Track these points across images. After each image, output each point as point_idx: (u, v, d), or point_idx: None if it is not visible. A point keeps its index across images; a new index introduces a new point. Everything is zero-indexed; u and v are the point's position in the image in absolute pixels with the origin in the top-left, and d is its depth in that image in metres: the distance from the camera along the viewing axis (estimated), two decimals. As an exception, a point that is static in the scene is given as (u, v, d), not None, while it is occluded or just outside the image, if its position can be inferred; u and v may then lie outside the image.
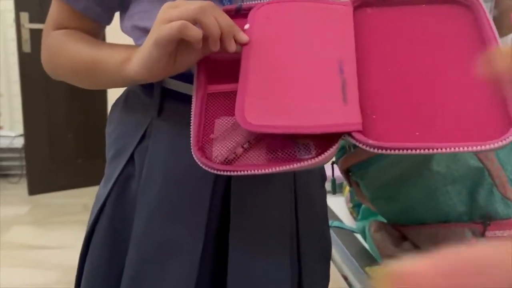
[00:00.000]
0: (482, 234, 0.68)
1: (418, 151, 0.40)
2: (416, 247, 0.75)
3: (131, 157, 0.60)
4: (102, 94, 2.70)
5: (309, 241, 0.64)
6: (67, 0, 0.58)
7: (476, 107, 0.42)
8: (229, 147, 0.47)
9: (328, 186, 0.77)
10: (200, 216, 0.57)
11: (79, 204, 2.74)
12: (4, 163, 3.09)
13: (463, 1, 0.50)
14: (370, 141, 0.42)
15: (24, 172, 2.92)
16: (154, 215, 0.57)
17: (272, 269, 0.58)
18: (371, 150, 0.42)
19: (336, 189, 0.89)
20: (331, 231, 0.98)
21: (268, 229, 0.59)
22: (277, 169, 0.44)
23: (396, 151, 0.41)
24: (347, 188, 1.11)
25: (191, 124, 0.50)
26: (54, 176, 2.87)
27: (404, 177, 0.69)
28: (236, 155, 0.47)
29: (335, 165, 0.78)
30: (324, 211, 0.71)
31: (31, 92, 2.72)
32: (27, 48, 2.63)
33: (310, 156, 0.44)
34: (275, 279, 0.58)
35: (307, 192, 0.65)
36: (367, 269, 0.82)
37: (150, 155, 0.58)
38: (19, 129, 3.01)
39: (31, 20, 2.61)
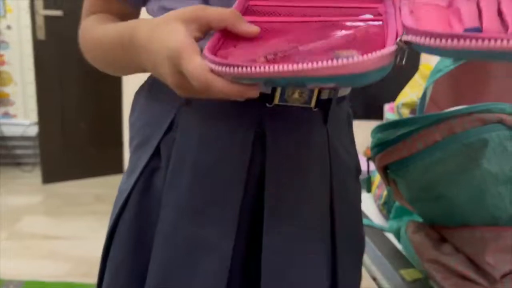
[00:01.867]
0: (536, 240, 0.62)
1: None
2: (458, 250, 0.70)
3: (157, 149, 0.55)
4: (116, 83, 2.67)
5: (345, 241, 0.60)
6: None
7: None
8: (249, 56, 0.39)
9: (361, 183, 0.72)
10: (231, 214, 0.53)
11: (91, 194, 2.72)
12: (18, 151, 3.08)
13: None
14: (421, 28, 0.36)
15: (38, 160, 2.90)
16: (182, 212, 0.53)
17: (310, 279, 0.54)
18: (426, 40, 0.35)
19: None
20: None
21: (304, 231, 0.54)
22: (314, 67, 0.35)
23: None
24: (376, 184, 1.05)
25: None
26: (67, 165, 2.85)
27: (451, 176, 0.63)
28: (263, 59, 0.39)
29: (371, 162, 0.72)
30: (358, 208, 0.66)
31: (45, 79, 2.69)
32: (41, 35, 2.60)
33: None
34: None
35: (343, 188, 0.60)
36: (402, 272, 0.77)
37: (177, 148, 0.54)
38: (33, 117, 2.99)
39: (46, 7, 2.57)
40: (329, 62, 0.35)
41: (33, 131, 2.99)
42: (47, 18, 2.59)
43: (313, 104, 0.54)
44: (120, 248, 0.57)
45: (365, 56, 0.35)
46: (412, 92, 1.00)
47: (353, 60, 0.35)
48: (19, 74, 3.04)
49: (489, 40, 0.33)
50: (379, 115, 1.67)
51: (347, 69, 0.35)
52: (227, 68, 0.37)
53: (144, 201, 0.55)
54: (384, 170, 0.70)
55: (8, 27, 2.96)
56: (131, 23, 0.50)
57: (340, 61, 0.35)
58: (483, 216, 0.65)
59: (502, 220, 0.64)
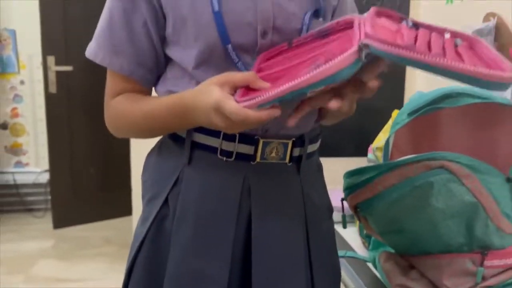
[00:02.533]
0: (481, 264, 0.74)
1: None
2: (423, 276, 0.82)
3: (166, 201, 0.69)
4: (123, 131, 2.83)
5: (321, 271, 0.72)
6: (117, 69, 0.69)
7: None
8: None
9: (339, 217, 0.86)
10: (226, 249, 0.66)
11: (101, 237, 2.83)
12: (30, 198, 3.21)
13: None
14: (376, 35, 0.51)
15: (49, 206, 3.03)
16: (187, 250, 0.66)
17: None
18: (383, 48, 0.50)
19: (346, 221, 0.96)
20: (345, 261, 1.05)
21: (285, 262, 0.68)
22: (304, 79, 0.50)
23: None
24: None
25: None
26: (77, 210, 2.97)
27: (408, 213, 0.76)
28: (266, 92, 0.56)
29: (344, 202, 0.86)
30: (333, 241, 0.79)
31: (56, 129, 2.86)
32: (53, 89, 2.79)
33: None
34: None
35: (317, 226, 0.73)
36: (379, 297, 0.88)
37: (182, 199, 0.68)
38: (44, 165, 3.15)
39: (57, 63, 2.78)
40: (312, 72, 0.51)
41: (44, 178, 3.14)
42: (58, 73, 2.79)
43: (287, 160, 0.68)
44: (137, 284, 0.70)
45: (334, 60, 0.51)
46: (384, 137, 1.15)
47: (327, 65, 0.51)
48: (31, 125, 3.23)
49: (417, 53, 0.50)
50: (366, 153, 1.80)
51: (326, 73, 0.51)
52: (253, 100, 0.54)
53: (156, 243, 0.69)
54: (355, 209, 0.83)
55: (22, 82, 3.16)
56: (176, 94, 0.65)
57: (319, 69, 0.51)
58: (438, 245, 0.78)
59: (453, 247, 0.77)
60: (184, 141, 0.68)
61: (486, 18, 1.69)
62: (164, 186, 0.70)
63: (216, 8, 0.63)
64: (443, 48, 0.56)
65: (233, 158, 0.66)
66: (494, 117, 0.82)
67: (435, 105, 0.80)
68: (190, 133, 0.68)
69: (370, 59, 0.53)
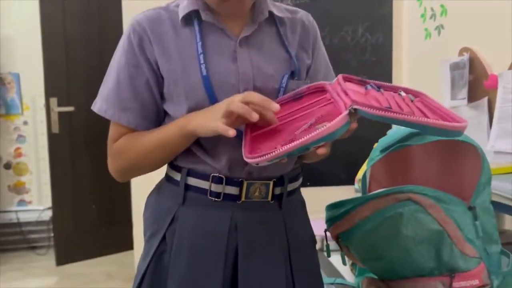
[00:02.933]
0: (450, 286, 0.82)
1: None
2: (401, 298, 0.89)
3: (164, 237, 0.78)
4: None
5: None
6: (125, 123, 0.79)
7: None
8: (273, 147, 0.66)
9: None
10: (217, 279, 0.75)
11: (103, 273, 2.87)
12: (33, 236, 3.27)
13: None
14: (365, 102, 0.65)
15: (51, 243, 3.09)
16: (183, 281, 0.75)
17: None
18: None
19: (335, 249, 1.03)
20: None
21: None
22: (308, 138, 0.61)
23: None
24: (347, 248, 1.26)
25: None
26: (79, 246, 3.03)
27: (383, 241, 0.84)
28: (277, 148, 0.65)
29: (327, 232, 0.94)
30: (317, 270, 0.87)
31: (59, 168, 2.95)
32: (55, 129, 2.90)
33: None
34: None
35: (300, 256, 0.82)
36: (363, 320, 0.95)
37: (178, 236, 0.77)
38: (47, 203, 3.22)
39: (60, 104, 2.90)
40: (314, 133, 0.62)
41: (47, 215, 3.21)
42: (60, 114, 2.91)
43: (269, 198, 0.78)
44: None
45: (331, 123, 0.62)
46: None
47: (325, 128, 0.62)
48: (34, 164, 3.32)
49: (395, 113, 0.64)
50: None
51: (324, 133, 0.63)
52: (265, 156, 0.63)
53: (156, 276, 0.78)
54: (337, 239, 0.92)
55: (25, 123, 3.28)
56: (179, 122, 0.75)
57: (319, 130, 0.62)
58: (412, 270, 0.86)
59: (426, 271, 0.85)
60: (179, 183, 0.78)
61: (461, 52, 1.81)
62: (163, 224, 0.78)
63: (204, 72, 0.74)
64: (408, 106, 0.68)
65: (221, 199, 0.76)
66: (457, 152, 0.92)
67: (403, 142, 0.90)
68: (184, 177, 0.78)
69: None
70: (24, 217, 3.27)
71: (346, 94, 0.69)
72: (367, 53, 2.28)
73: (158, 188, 0.84)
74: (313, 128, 0.66)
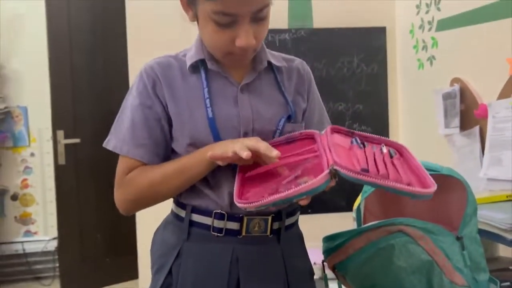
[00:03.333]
0: (441, 313, 0.86)
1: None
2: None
3: (170, 271, 0.83)
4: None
5: None
6: (139, 158, 0.84)
7: None
8: (260, 195, 0.72)
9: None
10: None
11: (108, 302, 2.89)
12: (38, 267, 3.30)
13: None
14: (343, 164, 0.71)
15: (57, 273, 3.11)
16: None
17: None
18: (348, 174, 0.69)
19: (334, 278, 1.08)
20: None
21: None
22: (291, 192, 0.67)
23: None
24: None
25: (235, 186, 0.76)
26: (85, 276, 3.05)
27: (377, 271, 0.89)
28: (264, 197, 0.71)
29: (325, 263, 0.99)
30: None
31: (65, 198, 3.01)
32: (62, 160, 2.97)
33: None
34: None
35: (298, 285, 0.86)
36: None
37: (182, 270, 0.82)
38: (53, 233, 3.26)
39: (66, 136, 2.97)
40: (296, 188, 0.68)
41: (53, 246, 3.25)
42: (67, 146, 2.98)
43: (268, 232, 0.83)
44: None
45: (313, 180, 0.68)
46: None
47: (307, 184, 0.68)
48: (40, 194, 3.38)
49: (371, 177, 0.69)
50: (355, 210, 1.93)
51: (305, 189, 0.69)
52: (252, 204, 0.69)
53: None
54: (334, 269, 0.96)
55: (32, 154, 3.36)
56: (199, 152, 0.81)
57: (300, 186, 0.68)
58: (407, 298, 0.90)
59: (419, 300, 0.89)
60: (183, 220, 0.83)
61: (452, 82, 1.89)
62: (169, 259, 0.84)
63: (211, 115, 0.82)
64: (385, 164, 0.76)
65: (223, 234, 0.82)
66: (444, 186, 0.97)
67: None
68: (189, 213, 0.84)
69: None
70: (29, 247, 3.30)
71: (330, 150, 0.76)
72: (363, 83, 2.36)
73: (164, 224, 0.90)
74: (296, 182, 0.73)
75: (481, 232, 1.05)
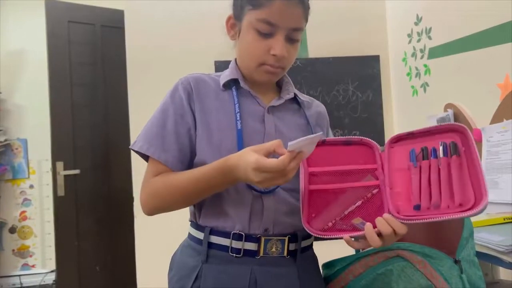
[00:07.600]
0: (443, 338, 0.86)
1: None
2: None
3: None
4: (127, 232, 2.96)
5: None
6: (164, 162, 0.87)
7: None
8: (324, 222, 0.81)
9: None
10: None
11: (107, 337, 2.83)
12: (36, 301, 3.25)
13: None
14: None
15: (54, 308, 3.06)
16: None
17: None
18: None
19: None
20: None
21: None
22: (352, 234, 0.76)
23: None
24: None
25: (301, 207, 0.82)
26: (83, 310, 3.00)
27: (377, 296, 0.89)
28: (328, 227, 0.80)
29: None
30: None
31: (64, 230, 2.99)
32: (61, 192, 2.97)
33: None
34: None
35: None
36: None
37: None
38: (51, 265, 3.23)
39: (66, 168, 2.99)
40: (350, 233, 0.76)
41: (50, 279, 3.21)
42: (66, 177, 2.99)
43: (285, 253, 0.85)
44: None
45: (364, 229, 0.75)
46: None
47: (359, 231, 0.76)
48: (39, 226, 3.36)
49: (422, 217, 0.75)
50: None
51: (357, 233, 0.76)
52: (317, 234, 0.78)
53: None
54: (335, 295, 0.97)
55: (31, 186, 3.36)
56: (219, 160, 0.81)
57: (355, 231, 0.77)
58: (407, 323, 0.90)
59: (420, 325, 0.89)
60: (202, 242, 0.85)
61: (446, 108, 1.93)
62: (187, 282, 0.85)
63: (239, 127, 0.87)
64: (439, 181, 0.79)
65: (241, 255, 0.83)
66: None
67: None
68: (207, 235, 0.86)
69: None
70: (27, 281, 3.26)
71: (391, 188, 0.82)
72: (359, 110, 2.40)
73: (181, 249, 0.92)
74: (354, 216, 0.81)
75: (480, 254, 1.05)
